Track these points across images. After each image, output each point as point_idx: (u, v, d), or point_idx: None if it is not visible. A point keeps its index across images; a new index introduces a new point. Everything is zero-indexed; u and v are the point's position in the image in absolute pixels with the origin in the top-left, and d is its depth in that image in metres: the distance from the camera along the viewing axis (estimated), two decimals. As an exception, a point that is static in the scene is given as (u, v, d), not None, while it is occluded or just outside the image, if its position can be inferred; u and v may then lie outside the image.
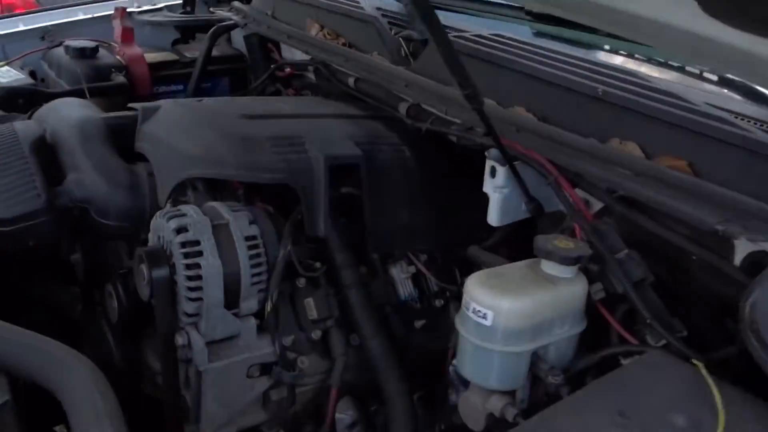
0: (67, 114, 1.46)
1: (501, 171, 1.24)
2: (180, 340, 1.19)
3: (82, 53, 2.04)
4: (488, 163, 1.27)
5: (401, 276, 1.48)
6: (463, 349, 1.00)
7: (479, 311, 0.95)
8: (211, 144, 1.29)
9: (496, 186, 1.25)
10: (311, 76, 2.09)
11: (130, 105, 1.59)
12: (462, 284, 1.51)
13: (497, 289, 0.95)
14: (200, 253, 1.17)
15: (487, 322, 0.94)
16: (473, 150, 1.39)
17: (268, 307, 1.24)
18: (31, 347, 0.92)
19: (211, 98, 1.64)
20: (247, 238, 1.22)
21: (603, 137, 1.18)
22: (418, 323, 1.46)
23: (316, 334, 1.31)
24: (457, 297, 1.51)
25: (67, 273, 1.65)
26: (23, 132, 1.37)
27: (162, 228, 1.21)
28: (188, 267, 1.16)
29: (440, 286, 1.50)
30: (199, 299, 1.17)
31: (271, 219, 1.29)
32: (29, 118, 1.59)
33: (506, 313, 0.94)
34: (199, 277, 1.16)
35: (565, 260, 0.98)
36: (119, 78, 2.04)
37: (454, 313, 1.48)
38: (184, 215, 1.20)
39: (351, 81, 1.74)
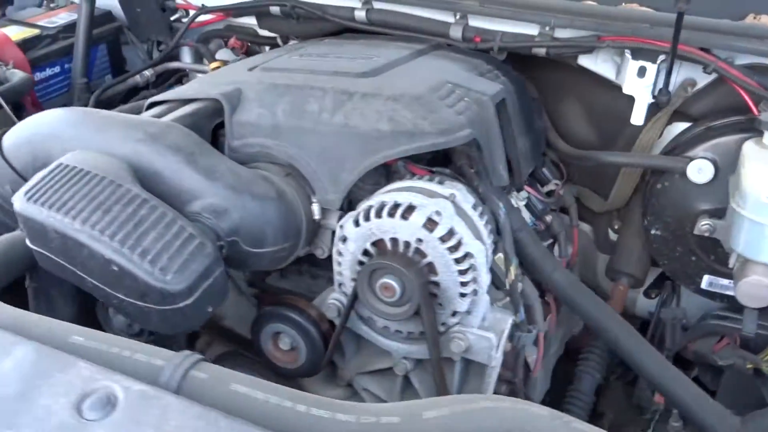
0: (106, 129, 1.01)
1: (652, 69, 1.26)
2: (462, 344, 1.01)
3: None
4: (634, 65, 1.27)
5: (520, 203, 1.43)
6: (761, 234, 1.05)
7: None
8: (393, 114, 1.03)
9: (645, 85, 1.27)
10: (248, 21, 1.75)
11: (174, 95, 1.17)
12: (554, 194, 1.54)
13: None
14: (460, 242, 0.98)
15: (799, 202, 1.01)
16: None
17: (512, 274, 1.11)
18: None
19: (260, 63, 1.26)
20: (473, 207, 1.06)
21: (734, 16, 1.26)
22: (545, 244, 1.45)
23: (517, 287, 1.22)
24: (555, 209, 1.53)
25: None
26: (106, 169, 0.92)
27: (393, 228, 0.97)
28: (458, 261, 0.97)
29: (543, 202, 1.50)
30: (474, 292, 1.00)
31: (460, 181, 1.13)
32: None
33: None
34: (471, 269, 0.98)
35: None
36: (17, 72, 1.45)
37: (556, 225, 1.51)
38: (414, 206, 0.98)
39: (360, 14, 1.52)
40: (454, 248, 0.97)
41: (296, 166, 1.06)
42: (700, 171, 1.29)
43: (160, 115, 1.13)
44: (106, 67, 1.89)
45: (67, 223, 0.86)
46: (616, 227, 1.65)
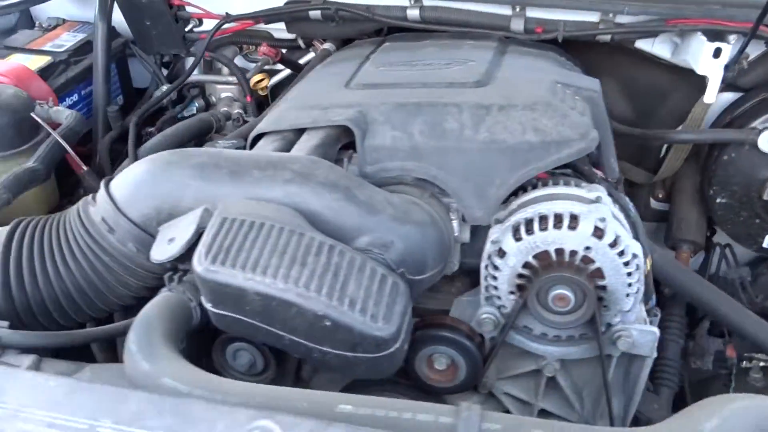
0: (244, 173, 0.95)
1: (727, 49, 1.31)
2: (629, 341, 1.04)
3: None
4: (710, 46, 1.31)
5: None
6: None
7: None
8: (535, 124, 1.03)
9: (720, 65, 1.32)
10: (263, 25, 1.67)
11: (285, 124, 1.10)
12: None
13: None
14: (625, 245, 1.00)
15: None
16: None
17: (648, 265, 1.14)
18: None
19: (349, 79, 1.20)
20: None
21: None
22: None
23: (651, 277, 1.25)
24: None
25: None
26: (279, 218, 0.87)
27: (560, 239, 0.98)
28: (626, 264, 0.99)
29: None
30: (637, 291, 1.03)
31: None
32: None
33: None
34: (637, 269, 1.01)
35: None
36: (62, 110, 1.31)
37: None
38: (577, 215, 0.99)
39: (413, 13, 1.49)
40: (622, 252, 0.99)
41: (438, 185, 1.04)
42: (771, 141, 1.38)
43: (283, 149, 1.07)
44: (117, 88, 1.75)
45: (269, 283, 0.81)
46: (660, 196, 1.72)
